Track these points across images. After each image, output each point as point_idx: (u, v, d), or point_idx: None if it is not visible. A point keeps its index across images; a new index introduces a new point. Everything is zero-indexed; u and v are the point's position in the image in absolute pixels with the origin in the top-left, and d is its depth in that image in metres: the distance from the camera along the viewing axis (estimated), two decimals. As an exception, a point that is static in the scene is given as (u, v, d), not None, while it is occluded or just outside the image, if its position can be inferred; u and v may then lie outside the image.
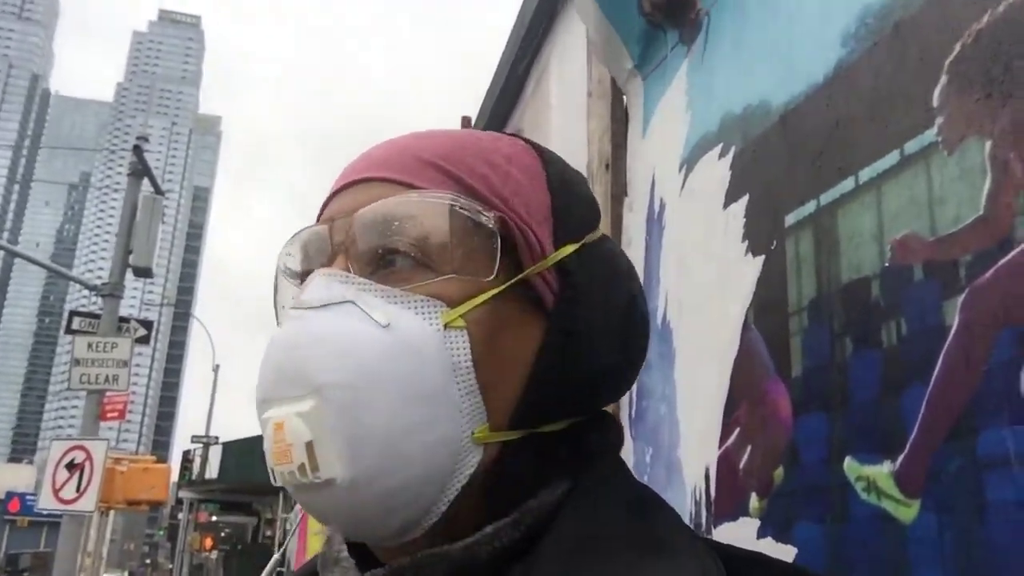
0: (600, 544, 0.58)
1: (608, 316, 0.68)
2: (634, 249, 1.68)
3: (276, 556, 0.74)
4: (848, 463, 0.97)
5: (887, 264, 0.96)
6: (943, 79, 0.92)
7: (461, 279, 0.63)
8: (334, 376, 0.57)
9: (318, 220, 0.70)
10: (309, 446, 0.57)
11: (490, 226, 0.64)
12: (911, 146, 0.95)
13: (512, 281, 0.64)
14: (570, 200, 0.72)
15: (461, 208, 0.64)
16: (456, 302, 0.62)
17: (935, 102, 0.92)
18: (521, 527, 0.60)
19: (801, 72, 1.17)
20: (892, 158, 0.98)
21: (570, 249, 0.68)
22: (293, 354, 0.60)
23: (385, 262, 0.64)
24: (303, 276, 0.68)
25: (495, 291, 0.63)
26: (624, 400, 1.66)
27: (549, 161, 0.74)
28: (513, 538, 0.59)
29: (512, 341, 0.64)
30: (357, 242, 0.64)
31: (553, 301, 0.66)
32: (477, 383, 0.61)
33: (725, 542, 0.64)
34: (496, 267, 0.64)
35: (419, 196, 0.64)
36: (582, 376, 0.66)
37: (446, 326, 0.61)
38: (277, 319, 0.70)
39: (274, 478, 0.60)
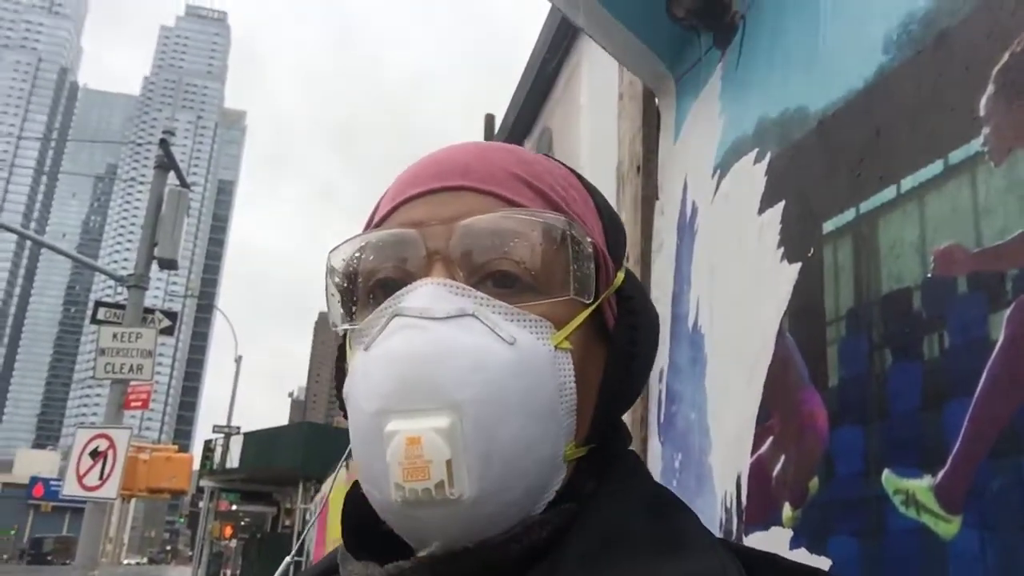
0: (621, 543, 0.59)
1: (654, 340, 0.73)
2: (665, 253, 1.67)
3: (291, 555, 0.73)
4: (887, 476, 0.96)
5: (929, 275, 0.95)
6: (990, 88, 0.90)
7: (565, 301, 0.64)
8: (471, 392, 0.56)
9: (379, 223, 0.69)
10: (448, 464, 0.55)
11: (590, 250, 0.66)
12: (956, 155, 0.94)
13: (596, 303, 0.67)
14: (615, 225, 0.75)
15: (572, 231, 0.65)
16: (561, 323, 0.63)
17: (981, 111, 0.91)
18: (548, 527, 0.60)
19: (840, 78, 1.16)
20: (936, 167, 0.96)
21: (622, 275, 0.71)
22: (426, 367, 0.57)
23: (494, 277, 0.63)
24: (385, 281, 0.66)
25: (587, 313, 0.65)
26: (652, 405, 1.66)
27: (590, 186, 0.76)
28: (541, 537, 0.60)
29: (590, 363, 0.66)
30: (463, 252, 0.63)
31: (614, 325, 0.69)
32: (575, 403, 0.63)
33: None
34: (593, 291, 0.66)
35: (529, 215, 0.65)
36: (634, 395, 0.70)
37: (556, 347, 0.62)
38: (335, 316, 0.68)
39: (392, 494, 0.57)
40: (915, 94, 1.01)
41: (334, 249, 0.69)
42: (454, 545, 0.58)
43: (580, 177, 0.76)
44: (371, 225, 0.71)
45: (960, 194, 0.92)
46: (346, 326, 0.67)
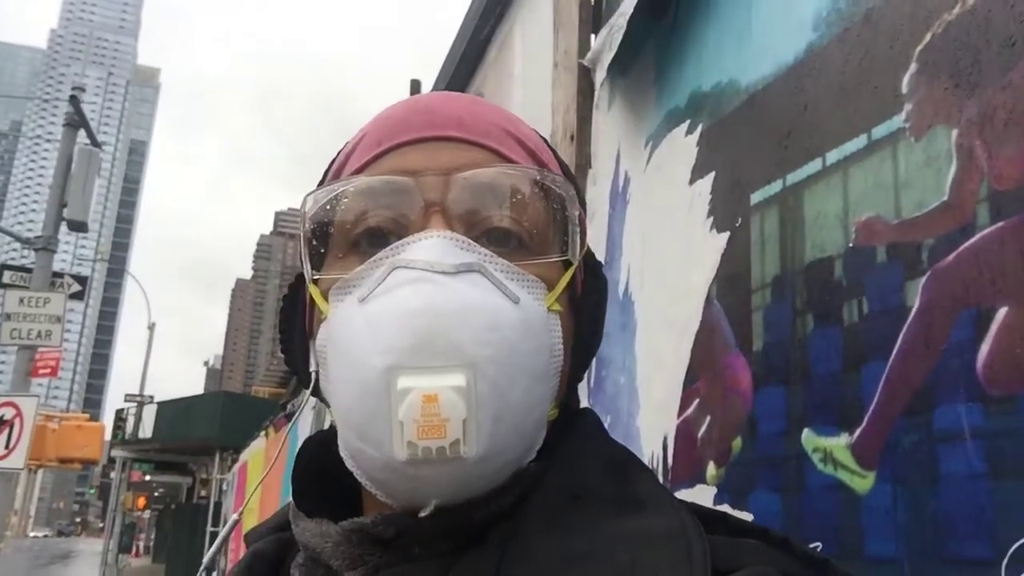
0: (583, 501, 0.60)
1: (607, 304, 0.74)
2: (597, 221, 1.70)
3: (233, 517, 0.72)
4: (806, 435, 1.01)
5: (851, 245, 1.00)
6: (912, 67, 0.94)
7: (554, 262, 0.64)
8: (488, 351, 0.55)
9: (362, 168, 0.66)
10: (464, 422, 0.54)
11: (577, 212, 0.66)
12: (879, 131, 0.98)
13: (575, 265, 0.66)
14: (577, 188, 0.75)
15: (567, 192, 0.65)
16: (551, 284, 0.63)
17: (904, 89, 0.95)
18: (515, 491, 0.60)
19: (771, 53, 1.20)
20: (860, 142, 1.01)
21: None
22: (441, 322, 0.55)
23: (491, 234, 0.62)
24: (374, 230, 0.63)
25: (570, 275, 0.65)
26: (583, 369, 1.69)
27: (554, 148, 0.76)
28: (508, 502, 0.60)
29: (568, 325, 0.66)
30: (462, 206, 0.62)
31: (582, 288, 0.70)
32: (562, 365, 0.64)
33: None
34: (577, 252, 0.66)
35: (527, 172, 0.64)
36: (592, 357, 0.73)
37: (549, 309, 0.62)
38: (307, 263, 0.65)
39: (399, 451, 0.55)
40: (842, 71, 1.05)
41: (313, 192, 0.66)
42: (448, 504, 0.57)
43: (545, 139, 0.76)
44: (348, 170, 0.67)
45: (882, 168, 0.97)
46: (326, 275, 0.64)
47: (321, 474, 0.67)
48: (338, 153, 0.73)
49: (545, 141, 0.75)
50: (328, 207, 0.65)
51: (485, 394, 0.55)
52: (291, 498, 0.69)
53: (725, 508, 1.13)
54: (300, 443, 0.71)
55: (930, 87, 0.92)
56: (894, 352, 0.90)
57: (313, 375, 0.66)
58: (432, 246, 0.59)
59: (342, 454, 0.61)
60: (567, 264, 0.66)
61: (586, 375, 1.65)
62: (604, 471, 0.63)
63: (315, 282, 0.65)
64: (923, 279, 0.88)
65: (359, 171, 0.66)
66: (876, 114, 0.99)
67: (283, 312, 0.73)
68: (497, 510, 0.59)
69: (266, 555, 0.71)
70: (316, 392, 0.67)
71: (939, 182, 0.88)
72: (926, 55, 0.93)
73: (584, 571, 0.54)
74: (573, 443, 0.65)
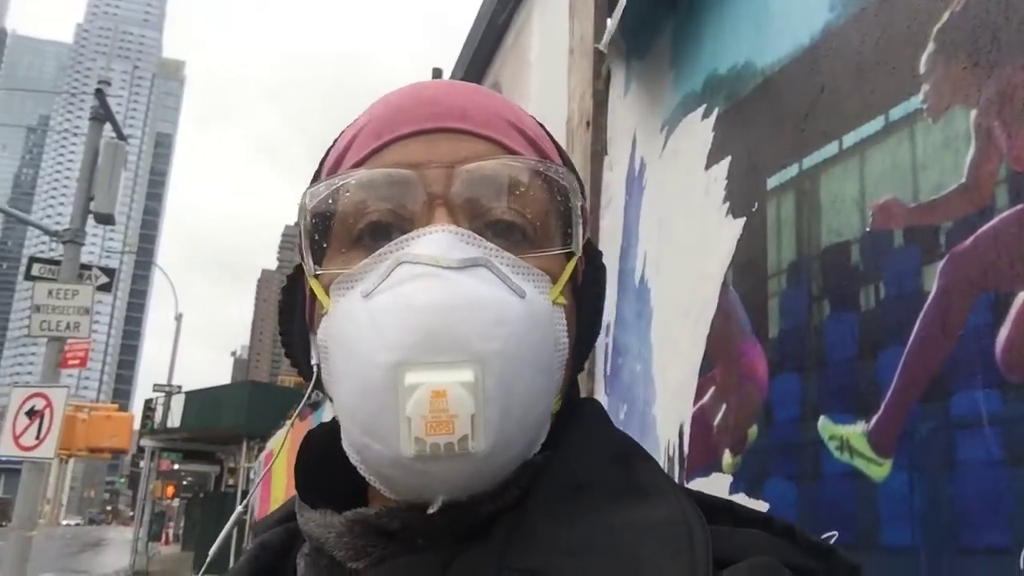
0: (586, 492, 0.59)
1: (606, 292, 0.74)
2: (613, 208, 1.68)
3: (239, 508, 0.72)
4: (822, 422, 1.00)
5: (868, 229, 0.98)
6: (930, 46, 0.92)
7: (559, 253, 0.63)
8: (496, 345, 0.54)
9: (363, 160, 0.64)
10: (472, 418, 0.53)
11: (580, 204, 0.65)
12: (896, 112, 0.96)
13: (577, 257, 0.65)
14: (578, 177, 0.73)
15: (570, 184, 0.64)
16: (554, 277, 0.62)
17: (921, 69, 0.93)
18: (521, 483, 0.60)
19: (787, 35, 1.18)
20: (877, 124, 0.99)
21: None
22: (452, 317, 0.54)
23: (495, 226, 0.62)
24: (377, 224, 0.62)
25: (572, 267, 0.65)
26: (599, 357, 1.68)
27: (554, 138, 0.74)
28: (514, 495, 0.59)
29: (571, 316, 0.65)
30: (466, 198, 0.61)
31: (582, 279, 0.69)
32: (567, 358, 0.63)
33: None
34: (580, 244, 0.65)
35: (531, 164, 0.63)
36: (591, 348, 0.72)
37: (553, 302, 0.62)
38: (309, 257, 0.64)
39: (407, 447, 0.54)
40: (859, 51, 1.03)
41: (313, 187, 0.64)
42: (456, 499, 0.57)
43: (544, 128, 0.74)
44: (348, 162, 0.66)
45: (899, 150, 0.95)
46: (329, 270, 0.63)
47: (326, 465, 0.67)
48: (334, 142, 0.71)
49: (545, 130, 0.74)
50: (330, 201, 0.64)
51: (493, 389, 0.54)
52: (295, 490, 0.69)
53: (741, 496, 1.12)
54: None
55: (948, 66, 0.90)
56: (911, 338, 0.89)
57: (316, 369, 0.65)
58: (437, 240, 0.58)
59: (346, 449, 0.61)
60: (569, 255, 0.65)
61: (602, 363, 1.65)
62: (607, 460, 0.62)
63: (316, 276, 0.64)
64: (941, 263, 0.86)
65: (360, 163, 0.64)
66: (893, 95, 0.97)
67: (282, 305, 0.73)
68: (503, 504, 0.59)
69: (272, 546, 0.70)
70: (319, 385, 0.67)
71: (957, 164, 0.86)
72: (944, 34, 0.91)
73: (586, 562, 0.54)
74: (576, 433, 0.65)
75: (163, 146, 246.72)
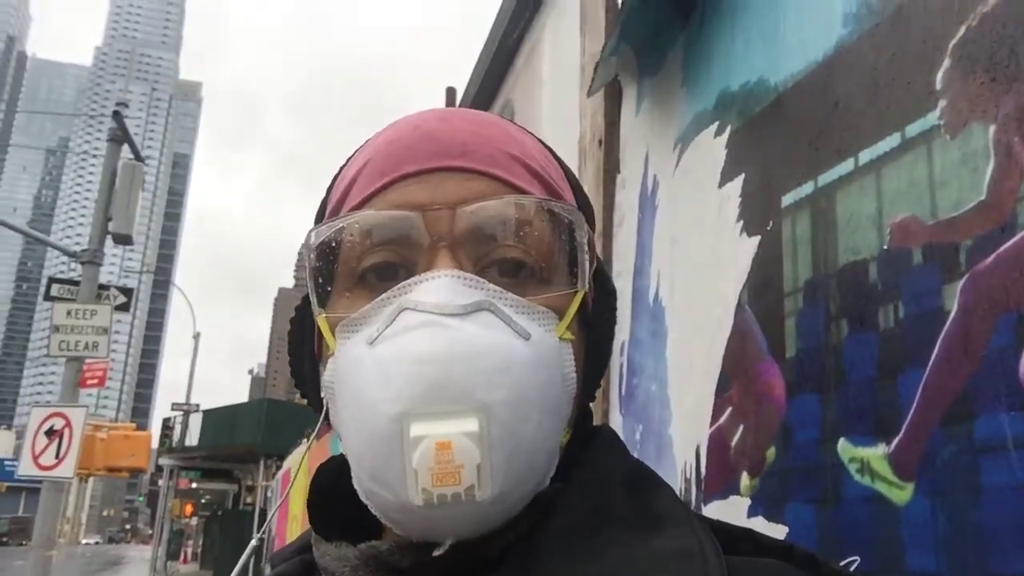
0: (598, 521, 0.58)
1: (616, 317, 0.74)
2: (626, 227, 1.67)
3: (253, 543, 0.71)
4: (842, 444, 0.98)
5: (886, 247, 0.96)
6: (946, 62, 0.91)
7: (566, 291, 0.63)
8: (499, 394, 0.55)
9: (366, 200, 0.64)
10: (479, 467, 0.54)
11: (586, 238, 0.65)
12: (912, 129, 0.95)
13: (585, 290, 0.65)
14: (587, 202, 0.74)
15: (575, 219, 0.64)
16: (561, 313, 0.62)
17: (938, 85, 0.92)
18: (531, 516, 0.59)
19: (800, 51, 1.17)
20: (893, 140, 0.97)
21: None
22: (455, 368, 0.54)
23: (499, 265, 0.62)
24: (380, 266, 0.62)
25: (580, 300, 0.64)
26: (614, 378, 1.67)
27: (562, 161, 0.74)
28: (524, 528, 0.59)
29: (579, 348, 0.65)
30: (469, 239, 0.61)
31: (592, 307, 0.68)
32: (576, 392, 0.63)
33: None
34: (587, 279, 0.65)
35: (535, 202, 0.63)
36: (602, 376, 0.72)
37: (560, 339, 0.61)
38: (314, 297, 0.64)
39: (415, 498, 0.54)
40: (873, 67, 1.02)
41: (317, 227, 0.64)
42: (465, 540, 0.57)
43: (552, 151, 0.74)
44: (351, 200, 0.66)
45: (916, 167, 0.93)
46: (336, 314, 0.63)
47: (339, 497, 0.66)
48: (339, 173, 0.71)
49: (552, 153, 0.73)
50: (333, 242, 0.64)
51: (498, 437, 0.54)
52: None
53: (759, 520, 1.10)
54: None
55: (965, 82, 0.88)
56: (932, 358, 0.87)
57: (325, 403, 0.65)
58: (440, 287, 0.58)
59: (357, 489, 0.61)
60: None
61: (617, 383, 1.63)
62: (620, 490, 0.62)
63: (324, 316, 0.64)
64: (961, 282, 0.84)
65: (363, 203, 0.64)
66: (910, 111, 0.95)
67: (291, 335, 0.73)
68: (513, 539, 0.58)
69: None
70: (328, 419, 0.66)
71: (976, 180, 0.85)
72: (961, 49, 0.89)
73: None
74: (588, 463, 0.64)
75: (181, 166, 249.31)
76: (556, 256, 0.64)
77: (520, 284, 0.61)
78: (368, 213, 0.63)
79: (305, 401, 0.74)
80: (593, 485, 0.62)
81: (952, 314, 0.85)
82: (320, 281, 0.64)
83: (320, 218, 0.71)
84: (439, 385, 0.54)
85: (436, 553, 0.56)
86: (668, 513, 0.59)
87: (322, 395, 0.65)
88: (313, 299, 0.64)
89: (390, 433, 0.55)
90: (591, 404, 0.75)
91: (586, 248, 0.65)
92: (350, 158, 0.71)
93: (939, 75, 0.91)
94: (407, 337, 0.56)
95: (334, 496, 0.67)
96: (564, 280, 0.64)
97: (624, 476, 0.64)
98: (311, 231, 0.65)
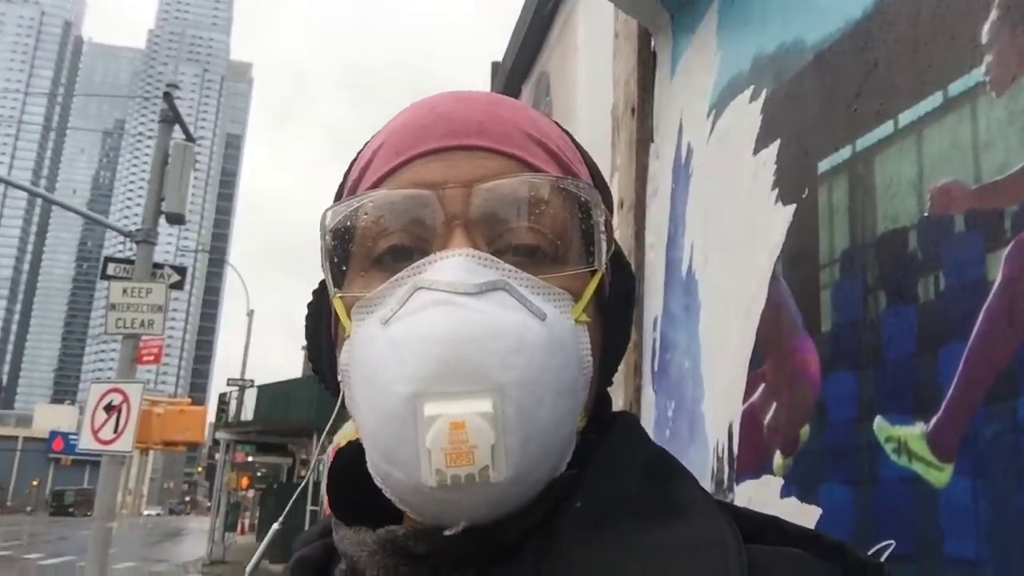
0: (617, 509, 0.57)
1: (634, 302, 0.72)
2: (660, 197, 1.62)
3: (275, 526, 0.71)
4: (878, 423, 0.93)
5: (926, 214, 0.91)
6: (993, 13, 0.85)
7: (583, 270, 0.62)
8: (514, 374, 0.54)
9: (382, 179, 0.63)
10: (492, 448, 0.53)
11: (603, 218, 0.63)
12: (955, 87, 0.89)
13: (602, 271, 0.64)
14: (604, 185, 0.72)
15: (592, 198, 0.63)
16: (577, 294, 0.61)
17: (983, 39, 0.85)
18: (548, 502, 0.58)
19: (837, 8, 1.10)
20: (934, 100, 0.91)
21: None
22: (469, 348, 0.54)
23: (515, 246, 0.60)
24: (396, 246, 0.61)
25: (597, 282, 0.63)
26: (647, 353, 1.62)
27: (578, 143, 0.73)
28: (540, 514, 0.58)
29: (596, 331, 0.64)
30: (485, 218, 0.60)
31: (609, 290, 0.67)
32: (592, 376, 0.62)
33: (746, 500, 0.63)
34: (603, 260, 0.63)
35: (550, 180, 0.62)
36: (620, 360, 0.70)
37: (576, 321, 0.60)
38: (330, 277, 0.64)
39: (429, 478, 0.53)
40: (914, 23, 0.96)
41: (332, 207, 0.64)
42: (479, 524, 0.56)
43: (570, 135, 0.73)
44: (367, 181, 0.65)
45: (960, 127, 0.88)
46: (352, 294, 0.62)
47: (359, 481, 0.65)
48: (354, 160, 0.70)
49: (571, 137, 0.72)
50: (348, 222, 0.63)
51: (512, 417, 0.53)
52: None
53: (792, 501, 1.06)
54: None
55: (1013, 34, 0.82)
56: (974, 332, 0.81)
57: (342, 386, 0.65)
58: (455, 265, 0.57)
59: (371, 472, 0.60)
60: (593, 271, 0.63)
61: (650, 359, 1.59)
62: (641, 478, 0.60)
63: (340, 297, 0.63)
64: (1006, 250, 0.79)
65: (379, 182, 0.64)
66: (953, 68, 0.89)
67: (309, 319, 0.72)
68: (529, 525, 0.57)
69: (310, 561, 0.70)
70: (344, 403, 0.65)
71: (1023, 140, 0.79)
72: (1009, -1, 0.83)
73: None
74: (607, 450, 0.63)
75: (233, 147, 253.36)
76: (572, 236, 0.62)
77: (535, 264, 0.60)
78: (382, 192, 0.62)
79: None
80: (612, 473, 0.61)
81: (996, 284, 0.79)
82: (335, 262, 0.64)
83: (338, 200, 0.70)
84: (453, 365, 0.53)
85: (447, 533, 0.56)
86: (688, 501, 0.58)
87: (339, 379, 0.65)
88: (328, 280, 0.64)
89: (403, 413, 0.54)
90: (616, 390, 0.73)
91: (603, 228, 0.63)
92: (368, 140, 0.70)
93: (985, 28, 0.85)
94: (421, 316, 0.55)
95: (354, 480, 0.66)
96: (580, 260, 0.62)
97: (644, 464, 0.62)
98: (326, 211, 0.64)
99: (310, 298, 0.72)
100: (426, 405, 0.53)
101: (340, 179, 0.72)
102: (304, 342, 0.74)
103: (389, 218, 0.61)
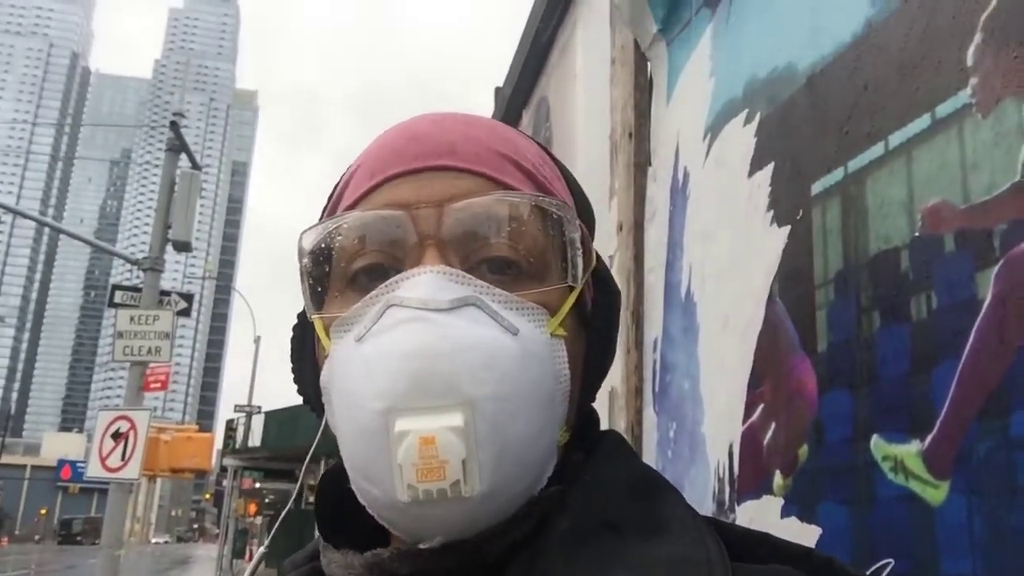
0: (604, 527, 0.57)
1: (619, 317, 0.72)
2: (658, 220, 1.64)
3: (261, 549, 0.71)
4: (875, 442, 0.94)
5: (917, 234, 0.92)
6: (977, 37, 0.86)
7: (558, 287, 0.62)
8: (486, 388, 0.54)
9: (356, 202, 0.64)
10: (464, 463, 0.53)
11: (578, 234, 0.64)
12: (943, 109, 0.90)
13: (580, 286, 0.64)
14: (586, 203, 0.73)
15: (566, 215, 0.63)
16: (553, 309, 0.61)
17: (969, 61, 0.87)
18: (531, 520, 0.58)
19: (829, 33, 1.12)
20: (923, 122, 0.93)
21: (594, 254, 0.69)
22: (438, 363, 0.54)
23: (489, 263, 0.61)
24: (370, 266, 0.62)
25: (575, 297, 0.64)
26: (647, 375, 1.63)
27: (559, 162, 0.74)
28: (524, 531, 0.58)
29: (576, 346, 0.64)
30: (457, 237, 0.61)
31: (591, 307, 0.68)
32: (569, 389, 0.62)
33: (747, 521, 0.63)
34: (581, 275, 0.64)
35: (523, 198, 0.63)
36: (606, 373, 0.71)
37: (552, 334, 0.61)
38: (309, 300, 0.64)
39: (401, 494, 0.54)
40: (903, 46, 0.98)
41: (309, 229, 0.65)
42: (455, 539, 0.56)
43: (549, 153, 0.74)
44: (344, 203, 0.67)
45: (948, 148, 0.89)
46: (329, 314, 0.63)
47: (346, 503, 0.66)
48: (336, 183, 0.71)
49: (553, 158, 0.73)
50: (323, 244, 0.64)
51: (485, 432, 0.54)
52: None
53: (792, 521, 1.06)
54: None
55: (997, 57, 0.83)
56: (966, 350, 0.82)
57: (326, 407, 0.65)
58: (426, 282, 0.57)
59: (354, 489, 0.60)
60: (571, 287, 0.64)
61: (651, 380, 1.59)
62: (627, 496, 0.60)
63: (320, 318, 0.64)
64: (996, 268, 0.80)
65: (354, 205, 0.65)
66: (940, 90, 0.91)
67: (294, 342, 0.73)
68: (511, 541, 0.57)
69: None
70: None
71: (1010, 161, 0.80)
72: (992, 21, 0.85)
73: None
74: (594, 468, 0.63)
75: (239, 174, 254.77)
76: (546, 252, 0.63)
77: (510, 281, 0.61)
78: (356, 214, 0.63)
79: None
80: (598, 491, 0.61)
81: (986, 303, 0.80)
82: (312, 283, 0.65)
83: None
84: (423, 380, 0.54)
85: (423, 546, 0.56)
86: (674, 520, 0.58)
87: (323, 399, 0.65)
88: (307, 301, 0.65)
89: (376, 429, 0.55)
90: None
91: (578, 244, 0.64)
92: (351, 163, 0.71)
93: (970, 51, 0.87)
94: (392, 333, 0.56)
95: (342, 502, 0.66)
96: (556, 277, 0.63)
97: (630, 482, 0.62)
98: (302, 233, 0.65)
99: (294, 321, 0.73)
100: (397, 421, 0.54)
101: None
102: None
103: (363, 239, 0.62)
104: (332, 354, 0.61)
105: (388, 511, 0.57)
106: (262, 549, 0.74)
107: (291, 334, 0.72)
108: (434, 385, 0.54)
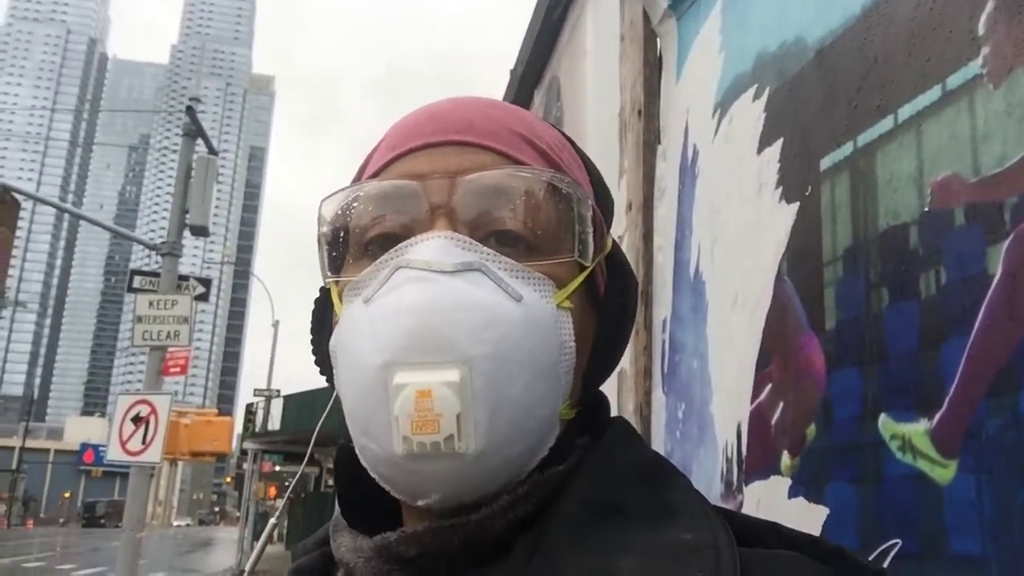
0: (609, 510, 0.57)
1: (635, 308, 0.73)
2: (667, 198, 1.62)
3: (272, 520, 0.71)
4: (883, 421, 0.92)
5: (927, 208, 0.90)
6: (989, 4, 0.84)
7: (566, 262, 0.64)
8: (484, 348, 0.55)
9: (375, 174, 0.67)
10: (458, 417, 0.54)
11: (589, 212, 0.66)
12: (953, 80, 0.88)
13: (593, 265, 0.66)
14: (605, 191, 0.75)
15: (576, 193, 0.65)
16: (562, 283, 0.63)
17: (980, 30, 0.85)
18: (533, 499, 0.59)
19: (837, 5, 1.10)
20: (933, 94, 0.91)
21: (610, 241, 0.72)
22: (437, 319, 0.56)
23: (498, 235, 0.63)
24: (383, 235, 0.64)
25: (585, 274, 0.65)
26: (656, 355, 1.62)
27: (581, 151, 0.76)
28: (527, 511, 0.59)
29: (585, 324, 0.66)
30: (467, 208, 0.62)
31: (604, 289, 0.69)
32: (574, 362, 0.63)
33: (755, 501, 0.63)
34: (591, 253, 0.65)
35: (534, 173, 0.64)
36: (617, 361, 0.72)
37: (558, 305, 0.62)
38: (325, 267, 0.67)
39: (397, 446, 0.55)
40: (912, 16, 0.95)
41: (327, 198, 0.67)
42: (452, 498, 0.57)
43: (572, 142, 0.76)
44: (366, 176, 0.69)
45: (958, 120, 0.87)
46: (340, 278, 0.65)
47: (361, 480, 0.66)
48: (366, 158, 0.74)
49: (570, 141, 0.75)
50: (341, 212, 0.67)
51: (481, 390, 0.55)
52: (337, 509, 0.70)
53: (799, 501, 1.05)
54: None
55: (1009, 24, 0.81)
56: (976, 326, 0.80)
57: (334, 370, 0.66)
58: (433, 246, 0.59)
59: (356, 450, 0.62)
60: (584, 264, 0.65)
61: (660, 360, 1.58)
62: (634, 481, 0.61)
63: (334, 283, 0.67)
64: (1006, 242, 0.78)
65: (372, 177, 0.67)
66: (950, 61, 0.88)
67: (314, 314, 0.74)
68: (515, 518, 0.58)
69: (309, 570, 0.71)
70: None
71: (1022, 132, 0.78)
72: (1006, -12, 0.82)
73: None
74: (601, 452, 0.63)
75: (256, 159, 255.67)
76: (556, 228, 0.64)
77: (518, 253, 0.62)
78: (372, 183, 0.65)
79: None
80: (606, 476, 0.61)
81: (996, 278, 0.79)
82: (328, 249, 0.67)
83: None
84: (422, 335, 0.56)
85: (420, 503, 0.58)
86: (682, 505, 0.58)
87: (331, 363, 0.66)
88: (322, 266, 0.67)
89: (375, 383, 0.56)
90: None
91: (589, 223, 0.65)
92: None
93: (982, 19, 0.84)
94: (397, 292, 0.58)
95: (357, 479, 0.66)
96: (564, 252, 0.64)
97: (638, 466, 0.63)
98: (321, 201, 0.68)
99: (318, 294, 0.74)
100: (396, 375, 0.55)
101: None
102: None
103: (377, 208, 0.64)
104: (342, 316, 0.63)
105: (385, 466, 0.58)
106: (272, 520, 0.74)
107: (312, 307, 0.74)
108: (433, 341, 0.55)
